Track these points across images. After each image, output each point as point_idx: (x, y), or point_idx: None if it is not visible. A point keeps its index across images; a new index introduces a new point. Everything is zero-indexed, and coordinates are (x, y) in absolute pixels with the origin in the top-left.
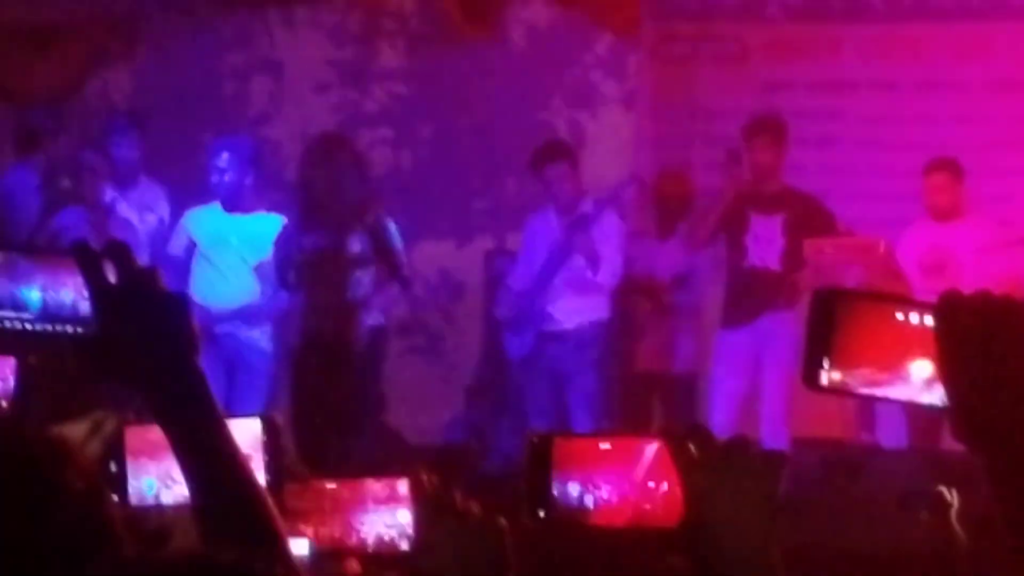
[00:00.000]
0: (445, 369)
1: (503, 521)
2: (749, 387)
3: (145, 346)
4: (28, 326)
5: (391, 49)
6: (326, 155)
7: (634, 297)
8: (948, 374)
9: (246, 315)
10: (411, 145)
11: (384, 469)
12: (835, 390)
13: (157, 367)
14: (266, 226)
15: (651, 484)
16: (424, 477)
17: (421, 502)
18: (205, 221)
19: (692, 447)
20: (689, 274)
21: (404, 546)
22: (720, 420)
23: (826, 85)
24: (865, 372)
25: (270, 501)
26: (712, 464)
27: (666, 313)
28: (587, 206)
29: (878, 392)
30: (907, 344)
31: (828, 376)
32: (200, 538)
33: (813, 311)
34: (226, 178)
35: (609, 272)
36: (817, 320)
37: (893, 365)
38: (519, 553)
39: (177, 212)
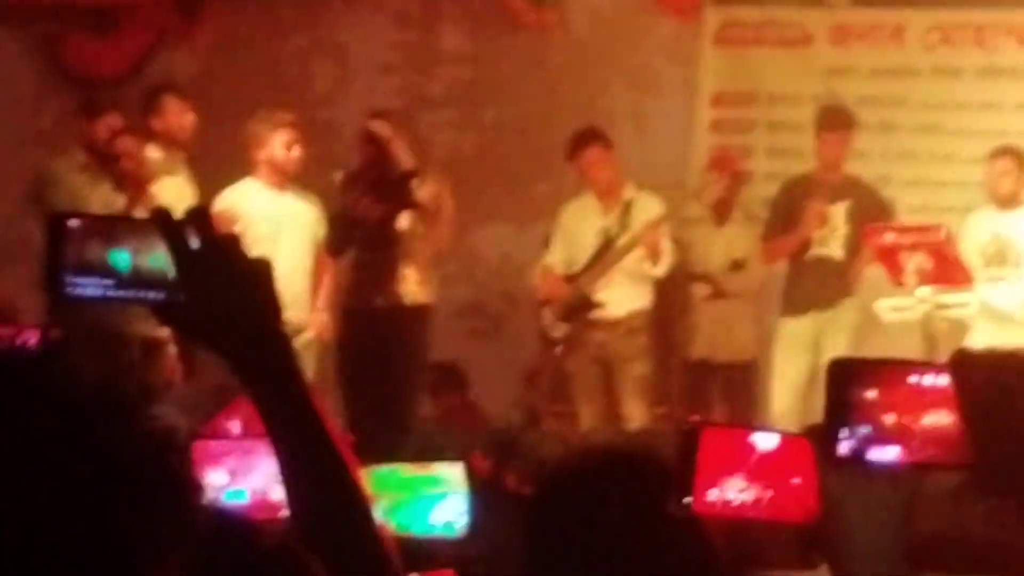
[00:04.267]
0: (505, 352)
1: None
2: (809, 374)
3: (229, 311)
4: (112, 292)
5: (454, 32)
6: (373, 131)
7: (691, 283)
8: (969, 430)
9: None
10: (474, 128)
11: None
12: (857, 458)
13: (241, 333)
14: (307, 207)
15: (793, 480)
16: (478, 462)
17: (475, 486)
18: (248, 199)
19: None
20: (745, 259)
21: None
22: (780, 406)
23: (889, 71)
24: (888, 436)
25: (364, 481)
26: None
27: (723, 299)
28: (629, 192)
29: (902, 456)
30: (926, 405)
31: (849, 444)
32: (297, 533)
33: (829, 384)
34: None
35: (666, 264)
36: (834, 391)
37: (914, 427)
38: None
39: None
